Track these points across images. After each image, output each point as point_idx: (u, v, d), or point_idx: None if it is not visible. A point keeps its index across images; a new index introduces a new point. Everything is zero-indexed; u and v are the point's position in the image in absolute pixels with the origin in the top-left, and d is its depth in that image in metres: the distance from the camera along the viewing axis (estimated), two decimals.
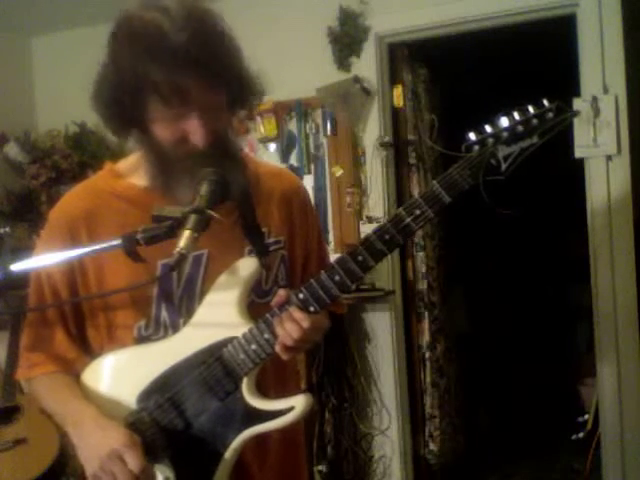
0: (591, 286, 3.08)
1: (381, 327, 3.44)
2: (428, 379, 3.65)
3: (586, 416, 3.36)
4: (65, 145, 3.67)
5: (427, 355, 3.65)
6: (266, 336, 1.24)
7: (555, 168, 4.06)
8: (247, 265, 1.30)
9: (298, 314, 1.21)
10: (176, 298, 1.31)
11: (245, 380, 1.25)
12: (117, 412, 1.30)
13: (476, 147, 1.21)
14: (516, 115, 1.19)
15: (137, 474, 1.19)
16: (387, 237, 1.20)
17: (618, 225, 2.99)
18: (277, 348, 1.23)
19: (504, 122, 1.21)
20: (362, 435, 3.47)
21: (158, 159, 1.31)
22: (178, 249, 1.10)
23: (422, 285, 3.65)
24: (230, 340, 1.25)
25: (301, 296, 1.23)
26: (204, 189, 1.19)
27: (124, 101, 1.31)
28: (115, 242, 1.15)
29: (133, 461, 1.19)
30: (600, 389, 3.11)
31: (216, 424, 1.26)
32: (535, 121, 1.18)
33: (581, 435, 3.34)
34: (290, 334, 1.21)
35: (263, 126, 3.50)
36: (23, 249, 3.23)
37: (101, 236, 1.26)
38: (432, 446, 3.64)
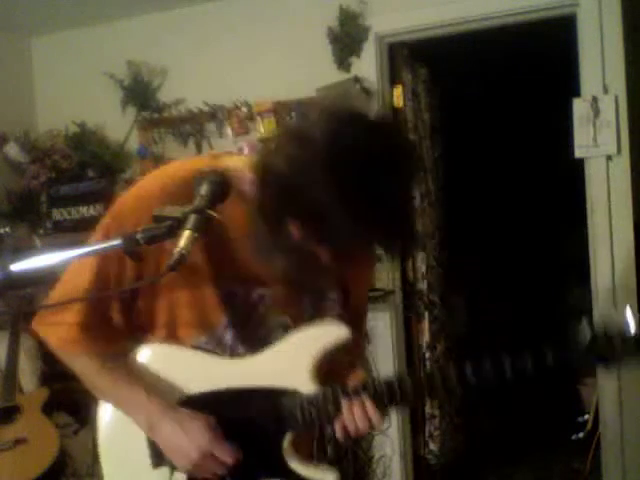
0: (591, 286, 3.08)
1: (381, 327, 3.44)
2: None
3: (586, 416, 3.36)
4: (65, 145, 3.67)
5: (427, 355, 3.65)
6: (330, 408, 1.24)
7: (555, 168, 4.06)
8: (340, 332, 1.29)
9: (372, 409, 1.22)
10: (245, 326, 1.31)
11: (289, 435, 1.27)
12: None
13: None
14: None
15: (231, 463, 1.23)
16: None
17: (618, 225, 2.99)
18: (337, 427, 1.24)
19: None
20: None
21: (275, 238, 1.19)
22: (178, 249, 1.10)
23: (422, 285, 3.65)
24: (293, 392, 1.26)
25: (378, 389, 1.23)
26: (204, 189, 1.18)
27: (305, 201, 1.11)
28: (115, 242, 1.15)
29: (224, 455, 1.24)
30: (600, 389, 3.11)
31: (246, 461, 1.27)
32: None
33: (581, 435, 3.34)
34: (356, 423, 1.22)
35: (263, 126, 3.50)
36: (23, 249, 3.23)
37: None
38: (432, 446, 3.64)
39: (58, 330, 1.34)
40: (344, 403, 1.23)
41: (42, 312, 1.38)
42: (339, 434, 1.24)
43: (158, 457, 1.31)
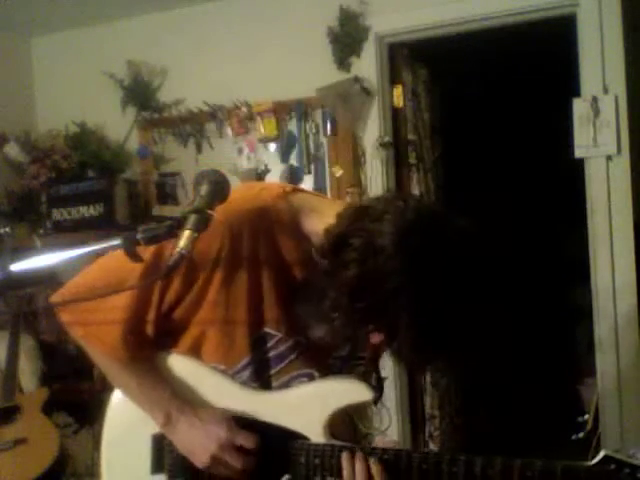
0: (591, 286, 3.08)
1: None
2: (428, 379, 3.65)
3: (586, 416, 3.36)
4: (65, 145, 3.67)
5: None
6: (333, 462, 1.24)
7: (555, 168, 4.06)
8: (364, 393, 1.28)
9: (377, 469, 1.20)
10: (264, 365, 1.32)
11: (286, 477, 1.27)
12: None
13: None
14: None
15: (254, 450, 1.24)
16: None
17: (618, 225, 2.99)
18: None
19: None
20: (362, 435, 3.47)
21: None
22: (178, 249, 1.10)
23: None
24: (303, 438, 1.26)
25: (386, 457, 1.21)
26: (204, 189, 1.18)
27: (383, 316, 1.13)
28: (115, 242, 1.15)
29: (246, 441, 1.25)
30: (600, 389, 3.11)
31: None
32: None
33: (581, 435, 3.34)
34: (355, 477, 1.20)
35: (263, 126, 3.50)
36: (23, 249, 3.23)
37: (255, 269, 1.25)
38: (432, 446, 3.63)
39: (100, 332, 1.32)
40: (345, 458, 1.22)
41: (78, 309, 1.33)
42: None
43: (158, 464, 1.32)
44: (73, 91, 3.85)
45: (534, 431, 4.26)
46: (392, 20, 3.32)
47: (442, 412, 3.71)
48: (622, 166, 2.97)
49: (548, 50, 3.67)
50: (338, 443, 1.25)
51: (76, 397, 3.22)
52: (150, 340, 1.32)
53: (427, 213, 1.16)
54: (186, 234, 1.11)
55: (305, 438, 1.26)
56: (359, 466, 1.20)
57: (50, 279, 3.49)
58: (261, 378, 1.32)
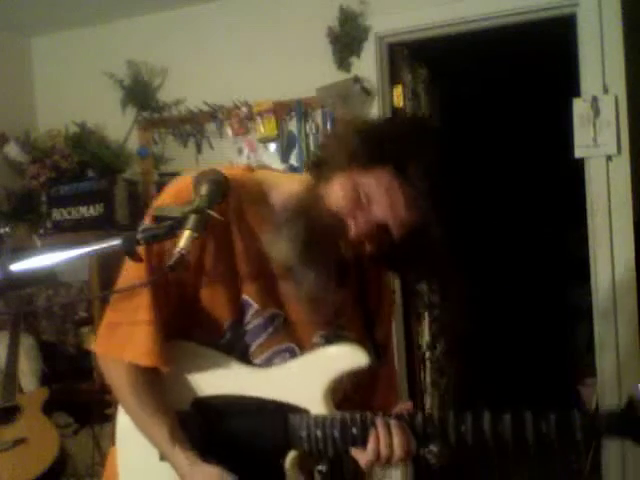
0: (591, 286, 3.08)
1: None
2: (428, 379, 3.65)
3: None
4: (65, 145, 3.67)
5: (427, 355, 3.65)
6: (355, 432, 1.21)
7: (555, 168, 4.06)
8: (360, 357, 1.24)
9: (409, 436, 1.19)
10: (239, 336, 1.30)
11: (293, 453, 1.25)
12: (172, 401, 1.30)
13: None
14: None
15: None
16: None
17: (618, 225, 2.99)
18: (367, 452, 1.19)
19: None
20: None
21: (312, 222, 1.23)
22: (178, 249, 1.10)
23: (422, 285, 3.64)
24: (303, 411, 1.24)
25: (419, 422, 1.20)
26: (204, 189, 1.18)
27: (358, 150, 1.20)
28: (115, 242, 1.15)
29: None
30: (600, 389, 3.11)
31: (247, 472, 1.25)
32: None
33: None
34: (392, 448, 1.17)
35: (263, 126, 3.50)
36: (23, 249, 3.23)
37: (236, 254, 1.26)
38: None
39: (127, 339, 1.27)
40: (378, 427, 1.19)
41: (104, 336, 1.31)
42: (368, 458, 1.20)
43: None
44: (73, 91, 3.85)
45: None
46: (392, 20, 3.32)
47: (442, 412, 3.70)
48: (622, 166, 2.97)
49: (548, 50, 3.67)
50: (341, 413, 1.23)
51: (76, 397, 3.21)
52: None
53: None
54: (186, 234, 1.11)
55: (305, 411, 1.24)
56: (382, 431, 1.18)
57: (50, 279, 3.50)
58: (241, 352, 1.30)
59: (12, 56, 3.93)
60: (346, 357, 1.25)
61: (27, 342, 3.27)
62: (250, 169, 1.37)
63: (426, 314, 3.65)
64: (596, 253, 3.04)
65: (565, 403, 4.01)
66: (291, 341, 1.30)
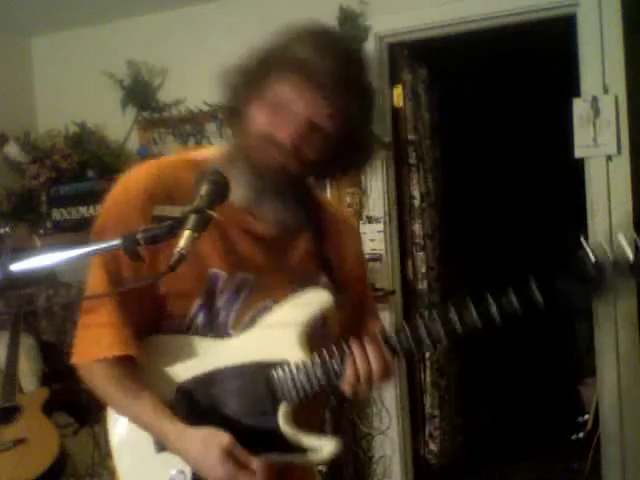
0: None
1: None
2: (428, 379, 3.65)
3: (586, 416, 3.36)
4: (65, 145, 3.67)
5: (427, 355, 3.65)
6: (334, 366, 1.23)
7: (555, 168, 4.06)
8: (322, 298, 1.28)
9: (383, 351, 1.21)
10: (214, 309, 1.30)
11: (284, 406, 1.25)
12: (160, 390, 1.30)
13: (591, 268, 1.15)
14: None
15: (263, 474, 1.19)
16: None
17: (618, 225, 2.99)
18: (347, 376, 1.21)
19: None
20: (362, 435, 3.47)
21: (241, 145, 1.28)
22: (178, 249, 1.10)
23: (422, 285, 3.65)
24: (282, 363, 1.25)
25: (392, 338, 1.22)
26: (204, 189, 1.19)
27: (260, 71, 1.28)
28: (115, 242, 1.15)
29: (254, 464, 1.19)
30: (600, 389, 3.11)
31: (243, 439, 1.24)
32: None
33: (581, 435, 3.34)
34: (369, 364, 1.19)
35: None
36: (23, 249, 3.23)
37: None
38: (432, 446, 3.64)
39: (92, 341, 1.30)
40: (353, 348, 1.21)
41: (75, 348, 1.33)
42: (349, 387, 1.21)
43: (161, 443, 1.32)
44: (73, 91, 3.85)
45: (534, 431, 4.27)
46: (392, 20, 3.32)
47: (442, 412, 3.71)
48: (622, 166, 2.97)
49: (548, 50, 3.67)
50: (318, 353, 1.24)
51: (76, 397, 3.21)
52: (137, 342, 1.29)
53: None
54: (186, 234, 1.12)
55: (286, 363, 1.24)
56: (356, 350, 1.20)
57: (50, 279, 3.49)
58: (220, 326, 1.30)
59: (12, 56, 3.93)
60: (312, 302, 1.27)
61: (27, 342, 3.26)
62: (183, 150, 1.43)
63: (426, 314, 3.64)
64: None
65: (565, 403, 4.02)
66: (266, 298, 1.30)
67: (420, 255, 3.63)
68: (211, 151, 1.40)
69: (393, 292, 3.42)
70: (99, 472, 3.22)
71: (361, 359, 1.20)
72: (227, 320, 1.30)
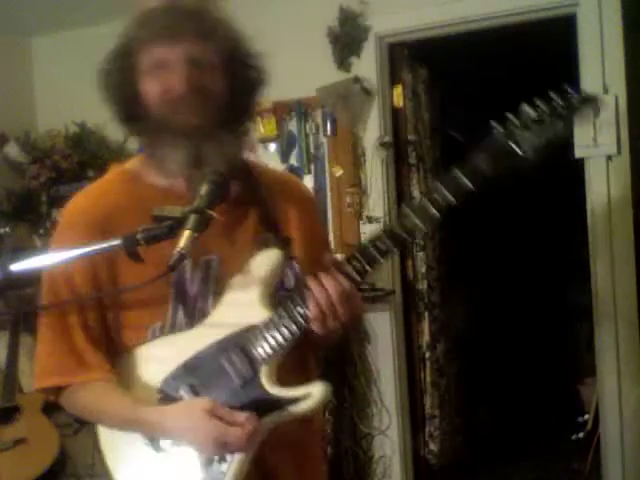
0: (591, 286, 3.08)
1: (381, 327, 3.44)
2: (428, 379, 3.65)
3: (586, 416, 3.36)
4: (65, 145, 3.67)
5: (427, 355, 3.65)
6: (298, 310, 1.22)
7: (555, 168, 4.06)
8: (269, 256, 1.29)
9: (336, 274, 1.20)
10: (190, 300, 1.31)
11: (264, 368, 1.24)
12: (144, 397, 1.30)
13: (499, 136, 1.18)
14: (540, 104, 1.20)
15: (252, 430, 1.18)
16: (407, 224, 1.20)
17: (618, 225, 2.99)
18: (311, 311, 1.20)
19: (528, 111, 1.20)
20: (362, 435, 3.47)
21: (152, 130, 1.32)
22: (178, 249, 1.11)
23: (422, 285, 3.65)
24: (251, 328, 1.25)
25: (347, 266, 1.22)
26: (204, 189, 1.19)
27: (122, 66, 1.37)
28: (115, 242, 1.15)
29: (241, 418, 1.19)
30: (600, 389, 3.11)
31: (234, 408, 1.24)
32: (561, 109, 1.21)
33: (581, 435, 3.34)
34: (327, 292, 1.18)
35: (263, 126, 3.50)
36: (23, 249, 3.23)
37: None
38: (432, 446, 3.64)
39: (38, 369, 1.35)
40: (310, 284, 1.20)
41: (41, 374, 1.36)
42: (315, 320, 1.20)
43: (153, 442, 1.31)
44: (73, 91, 3.84)
45: (534, 431, 4.27)
46: (392, 20, 3.32)
47: (442, 412, 3.71)
48: (622, 166, 2.97)
49: (548, 50, 3.67)
50: (281, 304, 1.25)
51: None
52: (95, 359, 1.32)
53: None
54: (186, 234, 1.12)
55: (253, 326, 1.25)
56: (313, 285, 1.20)
57: None
58: (197, 312, 1.30)
59: (12, 56, 3.93)
60: (263, 262, 1.28)
61: (27, 342, 3.26)
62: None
63: (426, 314, 3.65)
64: (596, 253, 3.04)
65: (565, 403, 4.01)
66: (234, 272, 1.31)
67: (420, 255, 3.63)
68: (138, 157, 1.44)
69: (393, 292, 3.43)
70: (99, 472, 3.21)
71: (319, 291, 1.19)
72: (205, 305, 1.31)
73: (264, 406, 1.23)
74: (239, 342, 1.25)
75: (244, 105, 1.43)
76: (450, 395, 3.85)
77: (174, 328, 1.31)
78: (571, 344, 4.67)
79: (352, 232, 3.44)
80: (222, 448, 1.19)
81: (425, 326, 3.64)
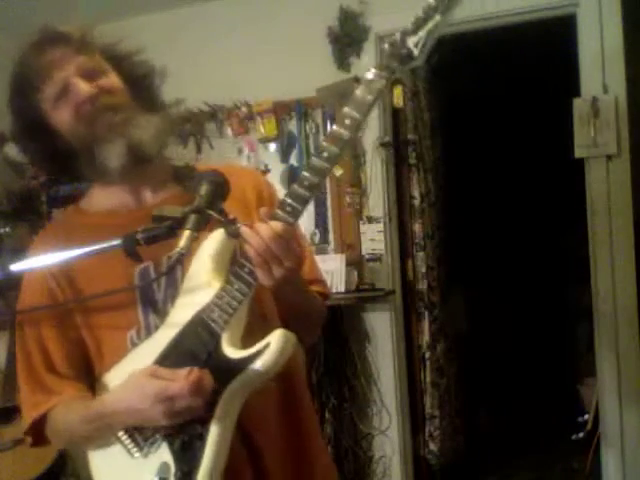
0: (591, 286, 3.09)
1: (381, 327, 3.44)
2: (428, 379, 3.65)
3: (586, 416, 3.36)
4: None
5: (427, 355, 3.65)
6: (247, 270, 1.21)
7: (555, 168, 4.06)
8: (213, 237, 1.27)
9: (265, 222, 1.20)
10: (160, 302, 1.31)
11: (224, 335, 1.23)
12: None
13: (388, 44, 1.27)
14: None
15: (195, 379, 1.17)
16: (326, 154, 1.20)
17: (618, 225, 2.99)
18: (257, 267, 1.18)
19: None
20: (362, 435, 3.47)
21: (83, 148, 1.36)
22: (178, 249, 1.11)
23: (422, 285, 3.64)
24: (207, 305, 1.24)
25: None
26: (204, 189, 1.19)
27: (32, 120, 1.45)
28: (115, 242, 1.15)
29: (181, 373, 1.18)
30: (600, 389, 3.11)
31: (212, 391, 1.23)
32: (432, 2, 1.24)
33: (581, 435, 3.34)
34: (262, 235, 1.17)
35: (263, 126, 3.50)
36: (23, 249, 3.23)
37: (81, 272, 1.32)
38: (432, 446, 3.63)
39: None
40: (247, 238, 1.19)
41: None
42: (259, 269, 1.19)
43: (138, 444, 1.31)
44: None
45: (534, 431, 4.27)
46: (392, 20, 3.31)
47: (442, 412, 3.71)
48: (622, 166, 2.97)
49: (548, 50, 3.67)
50: (228, 271, 1.25)
51: None
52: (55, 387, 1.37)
53: None
54: (186, 234, 1.12)
55: (210, 301, 1.25)
56: (248, 234, 1.19)
57: None
58: (158, 304, 1.31)
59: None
60: (208, 245, 1.28)
61: None
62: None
63: (426, 314, 3.64)
64: (596, 253, 3.04)
65: (565, 403, 4.01)
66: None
67: (420, 255, 3.63)
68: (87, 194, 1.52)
69: (393, 292, 3.43)
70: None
71: (253, 238, 1.18)
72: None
73: (227, 371, 1.21)
74: (199, 321, 1.24)
75: (149, 91, 1.57)
76: (450, 395, 3.85)
77: (149, 331, 1.30)
78: (571, 344, 4.67)
79: (352, 232, 3.44)
80: (167, 403, 1.17)
81: (425, 326, 3.64)
